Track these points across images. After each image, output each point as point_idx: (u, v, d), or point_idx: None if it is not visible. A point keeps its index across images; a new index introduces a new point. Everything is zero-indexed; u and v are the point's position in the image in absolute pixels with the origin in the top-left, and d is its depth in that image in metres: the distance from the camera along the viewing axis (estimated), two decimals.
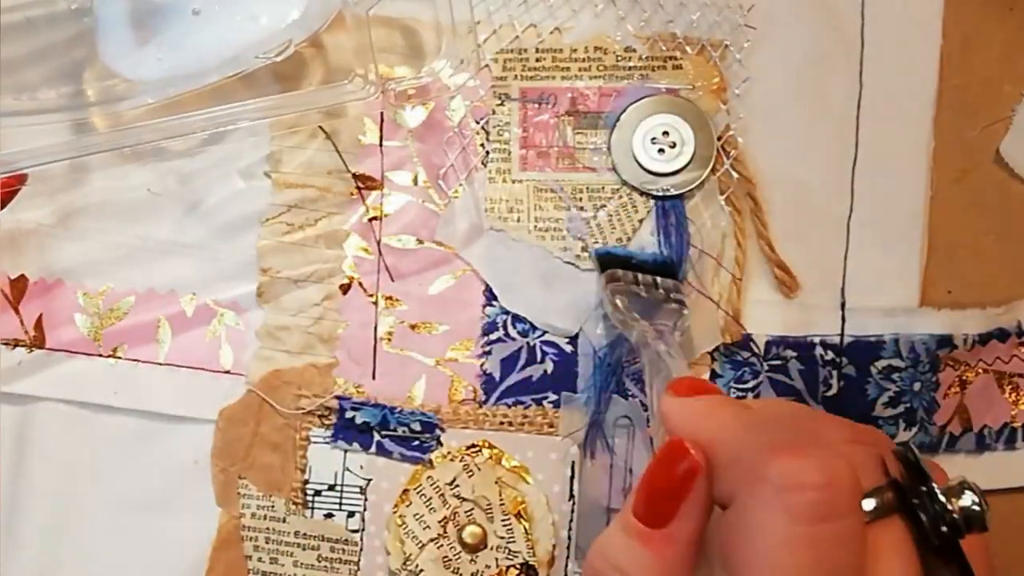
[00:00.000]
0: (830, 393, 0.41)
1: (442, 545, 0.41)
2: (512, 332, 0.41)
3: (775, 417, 0.28)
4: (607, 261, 0.40)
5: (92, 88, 0.39)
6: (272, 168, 0.42)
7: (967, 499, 0.26)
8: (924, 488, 0.26)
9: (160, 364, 0.42)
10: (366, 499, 0.41)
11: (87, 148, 0.38)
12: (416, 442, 0.41)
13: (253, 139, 0.42)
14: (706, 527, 0.27)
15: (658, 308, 0.39)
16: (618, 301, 0.39)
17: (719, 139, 0.41)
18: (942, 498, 0.26)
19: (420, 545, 0.41)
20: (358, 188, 0.42)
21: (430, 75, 0.39)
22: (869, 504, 0.25)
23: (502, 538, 0.41)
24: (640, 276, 0.40)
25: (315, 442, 0.42)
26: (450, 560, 0.41)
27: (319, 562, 0.41)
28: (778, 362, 0.41)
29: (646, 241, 0.41)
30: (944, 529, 0.25)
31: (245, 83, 0.39)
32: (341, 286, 0.42)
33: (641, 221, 0.41)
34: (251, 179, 0.42)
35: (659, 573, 0.27)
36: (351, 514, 0.41)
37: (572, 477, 0.41)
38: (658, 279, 0.39)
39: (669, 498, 0.27)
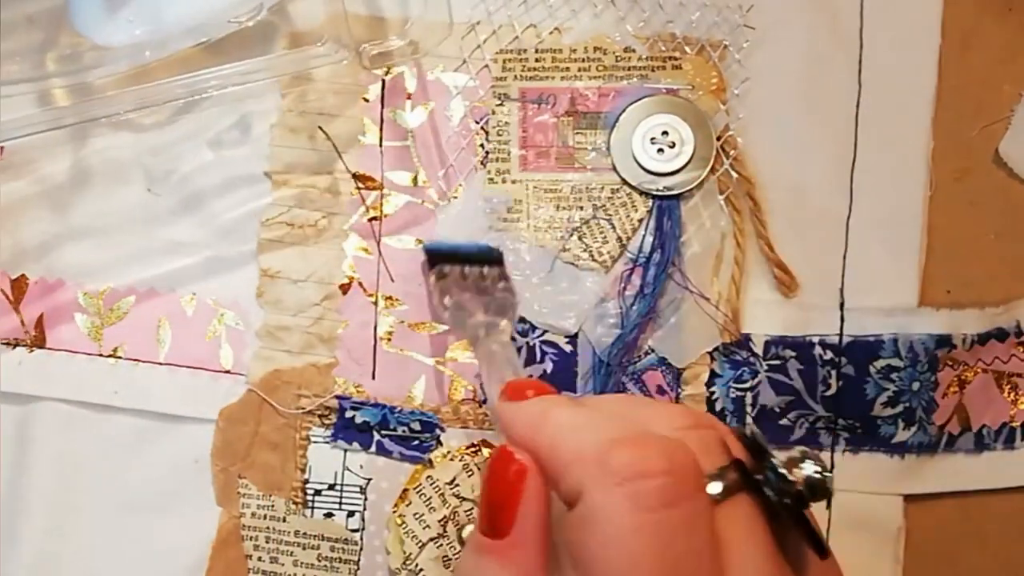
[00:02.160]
0: (829, 393, 0.41)
1: (442, 544, 0.41)
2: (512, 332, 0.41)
3: (611, 411, 0.29)
4: (435, 256, 0.39)
5: (61, 59, 0.39)
6: (272, 168, 0.42)
7: (808, 468, 0.26)
8: (766, 463, 0.26)
9: (160, 364, 0.42)
10: (366, 498, 0.41)
11: (59, 120, 0.38)
12: (416, 442, 0.41)
13: (219, 108, 0.41)
14: (549, 527, 0.27)
15: (489, 299, 0.38)
16: (446, 300, 0.38)
17: (718, 139, 0.41)
18: (783, 471, 0.26)
19: (420, 544, 0.41)
20: (358, 188, 0.42)
21: (402, 38, 0.39)
22: (716, 487, 0.26)
23: None
24: (466, 269, 0.39)
25: (315, 442, 0.42)
26: (450, 559, 0.41)
27: (319, 561, 0.41)
28: (777, 362, 0.41)
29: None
30: (788, 501, 0.26)
31: (213, 52, 0.39)
32: (341, 286, 0.42)
33: (640, 221, 0.41)
34: (220, 149, 0.42)
35: None
36: (351, 513, 0.41)
37: None
38: (484, 269, 0.39)
39: (505, 505, 0.27)
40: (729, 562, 0.25)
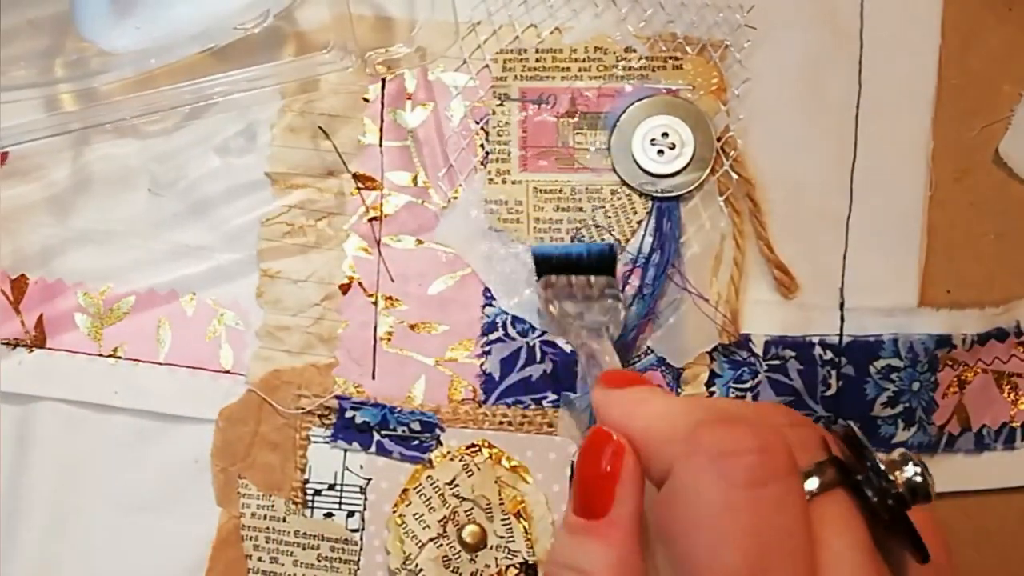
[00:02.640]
0: (829, 393, 0.41)
1: (442, 544, 0.41)
2: (512, 332, 0.42)
3: (707, 402, 0.29)
4: (543, 263, 0.40)
5: (67, 64, 0.39)
6: (273, 169, 0.42)
7: (910, 470, 0.26)
8: (868, 463, 0.26)
9: (160, 364, 0.42)
10: (366, 498, 0.41)
11: (65, 125, 0.38)
12: (416, 442, 0.41)
13: (226, 115, 0.41)
14: (643, 507, 0.27)
15: (593, 305, 0.39)
16: (552, 308, 0.39)
17: (719, 140, 0.41)
18: (884, 470, 0.26)
19: (420, 544, 0.41)
20: (358, 188, 0.42)
21: (409, 45, 0.39)
22: (813, 483, 0.26)
23: (501, 537, 0.41)
24: (574, 279, 0.40)
25: (315, 442, 0.42)
26: (450, 559, 0.41)
27: (319, 561, 0.41)
28: (777, 362, 0.41)
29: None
30: (890, 502, 0.26)
31: (219, 58, 0.39)
32: (341, 286, 0.42)
33: (640, 222, 0.41)
34: (227, 155, 0.42)
35: (610, 559, 0.27)
36: (351, 514, 0.41)
37: (571, 476, 0.41)
38: (592, 278, 0.39)
39: (602, 486, 0.28)
40: (825, 558, 0.24)
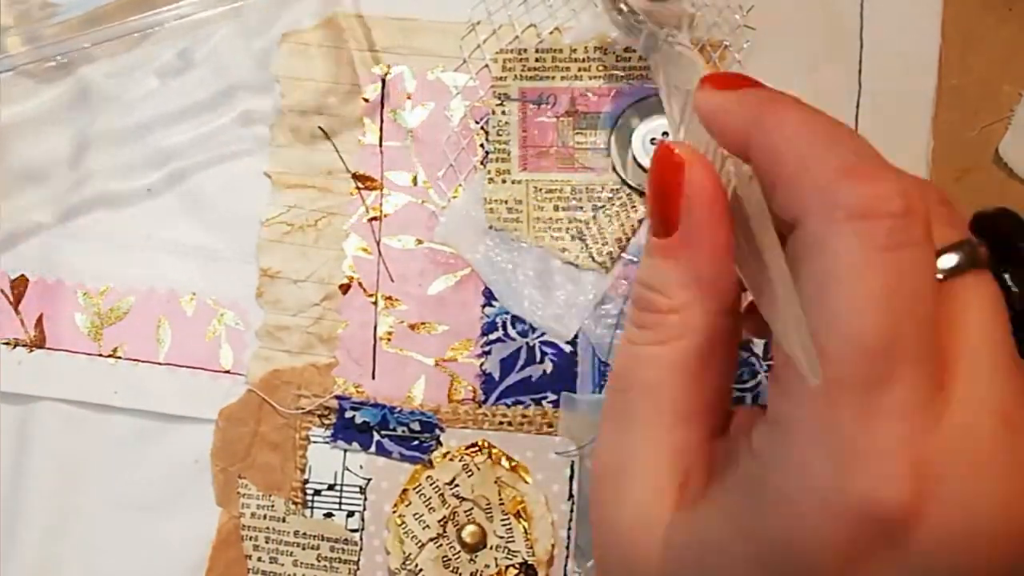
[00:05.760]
0: None
1: (441, 545, 0.41)
2: (512, 332, 0.41)
3: (843, 130, 0.26)
4: None
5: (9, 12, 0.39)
6: (272, 168, 0.42)
7: None
8: (1019, 248, 0.25)
9: (160, 364, 0.42)
10: (366, 499, 0.41)
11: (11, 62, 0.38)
12: (416, 442, 0.41)
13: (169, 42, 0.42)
14: (726, 225, 0.26)
15: (663, 12, 0.37)
16: (622, 4, 0.37)
17: None
18: None
19: (420, 545, 0.41)
20: (358, 188, 0.42)
21: None
22: (952, 258, 0.24)
23: (501, 537, 0.41)
24: None
25: (315, 442, 0.42)
26: (449, 559, 0.41)
27: (319, 561, 0.41)
28: None
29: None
30: None
31: None
32: (341, 286, 0.42)
33: (641, 221, 0.41)
34: (164, 76, 0.42)
35: (681, 276, 0.27)
36: (351, 514, 0.41)
37: (571, 476, 0.41)
38: None
39: (668, 201, 0.27)
40: (959, 333, 0.23)
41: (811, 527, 0.22)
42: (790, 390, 0.23)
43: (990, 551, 0.22)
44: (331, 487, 0.41)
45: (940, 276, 0.24)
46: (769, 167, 0.25)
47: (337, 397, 0.42)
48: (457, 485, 0.41)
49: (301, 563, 0.41)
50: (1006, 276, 0.24)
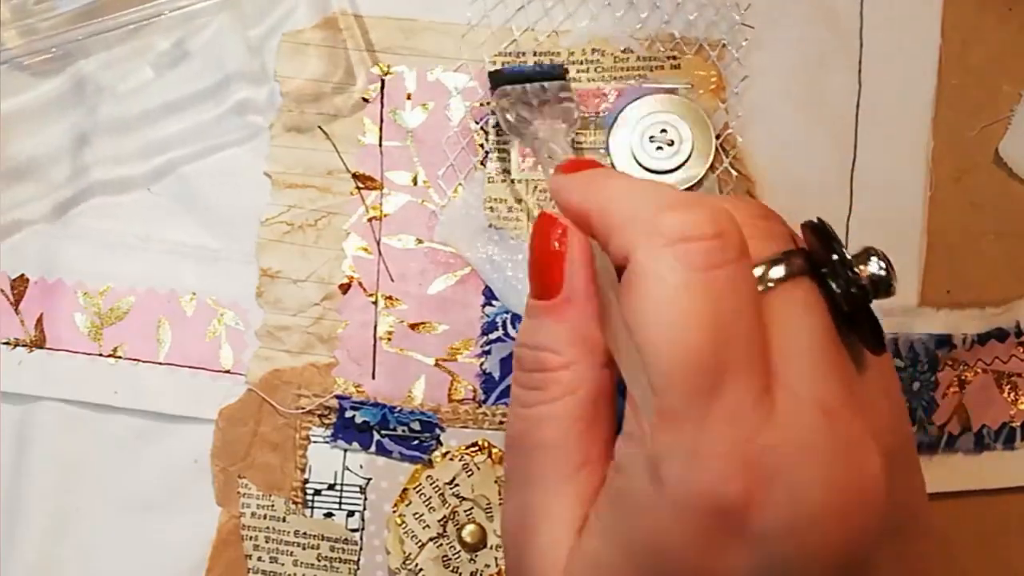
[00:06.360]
0: None
1: (442, 544, 0.41)
2: (512, 332, 0.42)
3: (663, 185, 0.29)
4: (497, 79, 0.40)
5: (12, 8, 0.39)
6: (272, 168, 0.42)
7: (874, 265, 0.26)
8: (834, 255, 0.26)
9: (160, 364, 0.42)
10: (366, 498, 0.41)
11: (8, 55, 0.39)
12: (416, 441, 0.41)
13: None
14: (596, 283, 0.29)
15: (550, 110, 0.39)
16: (508, 116, 0.39)
17: (717, 137, 0.41)
18: (850, 261, 0.26)
19: (420, 544, 0.41)
20: (358, 188, 0.42)
21: None
22: (778, 271, 0.26)
23: (501, 537, 0.41)
24: (528, 86, 0.40)
25: (315, 442, 0.42)
26: (450, 559, 0.41)
27: (319, 561, 0.41)
28: None
29: None
30: (853, 290, 0.26)
31: None
32: (341, 286, 0.42)
33: None
34: (160, 67, 0.42)
35: (567, 334, 0.28)
36: (351, 513, 0.41)
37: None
38: (545, 84, 0.40)
39: (552, 264, 0.29)
40: (782, 341, 0.25)
41: (670, 529, 0.24)
42: (639, 407, 0.26)
43: (822, 527, 0.24)
44: (331, 487, 0.41)
45: (767, 286, 0.26)
46: (603, 220, 0.28)
47: (337, 397, 0.42)
48: (457, 485, 0.41)
49: (301, 563, 0.41)
50: (831, 282, 0.26)
